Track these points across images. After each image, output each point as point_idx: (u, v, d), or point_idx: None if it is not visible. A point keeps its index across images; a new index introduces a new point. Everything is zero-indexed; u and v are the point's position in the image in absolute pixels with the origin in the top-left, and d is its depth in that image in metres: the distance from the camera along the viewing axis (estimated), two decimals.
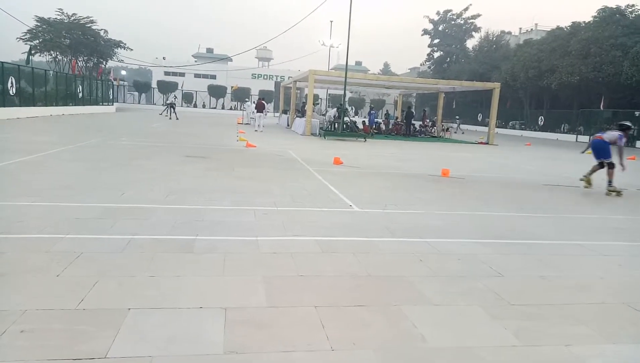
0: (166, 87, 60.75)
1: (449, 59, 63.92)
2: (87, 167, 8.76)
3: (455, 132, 35.22)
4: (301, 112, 27.39)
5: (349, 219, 5.93)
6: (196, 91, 61.74)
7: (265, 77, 71.79)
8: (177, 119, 29.65)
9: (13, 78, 22.35)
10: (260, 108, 23.93)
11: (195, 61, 68.98)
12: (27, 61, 28.62)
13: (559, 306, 3.55)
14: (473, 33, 63.18)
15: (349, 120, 24.65)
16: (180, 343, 2.65)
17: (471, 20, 62.70)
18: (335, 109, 26.07)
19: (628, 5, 36.81)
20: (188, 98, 61.74)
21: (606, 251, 5.19)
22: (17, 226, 4.68)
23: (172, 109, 30.76)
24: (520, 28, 75.47)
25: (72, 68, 38.08)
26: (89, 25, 45.70)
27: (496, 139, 27.59)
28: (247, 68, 69.68)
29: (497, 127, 37.40)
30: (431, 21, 64.24)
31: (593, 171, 9.95)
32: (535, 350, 2.85)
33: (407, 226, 5.72)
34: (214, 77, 68.65)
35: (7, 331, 2.66)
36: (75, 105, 30.35)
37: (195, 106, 60.70)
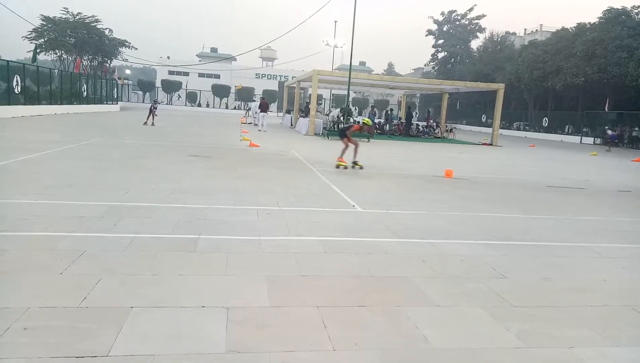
0: (170, 87, 60.93)
1: (453, 59, 63.79)
2: (91, 166, 8.79)
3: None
4: (305, 112, 27.38)
5: (352, 219, 5.93)
6: (200, 90, 61.89)
7: (269, 77, 71.90)
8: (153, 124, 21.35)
9: (18, 77, 22.46)
10: (264, 108, 24.08)
11: (200, 61, 69.16)
12: (34, 59, 28.82)
13: (562, 309, 3.53)
14: (477, 34, 62.99)
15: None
16: (182, 342, 2.66)
17: (476, 21, 62.50)
18: (339, 109, 26.03)
19: (634, 6, 36.58)
20: (192, 97, 61.84)
21: (610, 253, 5.17)
22: (21, 224, 4.70)
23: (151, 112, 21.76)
24: (525, 29, 75.10)
25: (76, 67, 38.19)
26: (93, 25, 45.94)
27: (500, 140, 27.51)
28: (251, 68, 69.85)
29: (501, 128, 37.31)
30: (435, 22, 64.10)
31: None
32: (537, 352, 2.83)
33: (410, 227, 5.71)
34: (217, 76, 68.83)
35: (10, 328, 2.67)
36: (79, 104, 30.49)
37: (199, 105, 60.79)
